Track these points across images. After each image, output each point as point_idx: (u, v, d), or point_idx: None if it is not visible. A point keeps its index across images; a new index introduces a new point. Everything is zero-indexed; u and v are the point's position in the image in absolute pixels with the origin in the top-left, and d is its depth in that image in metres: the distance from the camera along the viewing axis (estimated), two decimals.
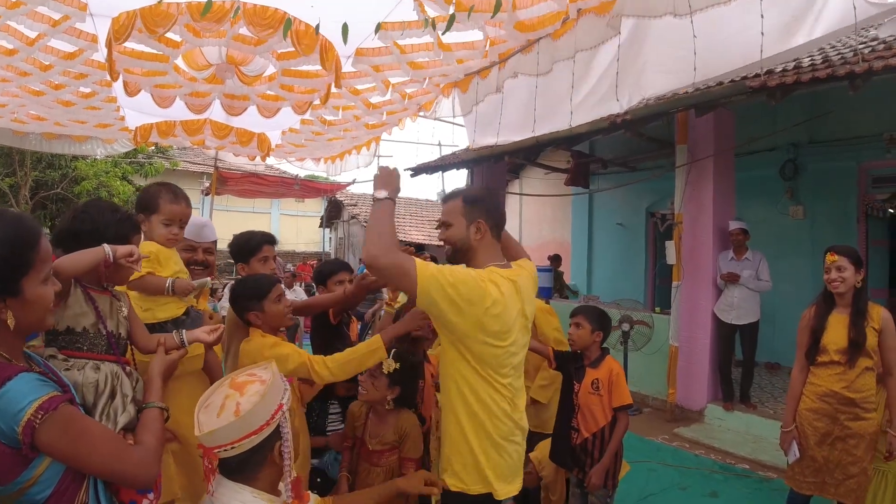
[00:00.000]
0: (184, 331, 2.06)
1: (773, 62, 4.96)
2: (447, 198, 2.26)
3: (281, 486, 1.55)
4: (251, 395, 1.52)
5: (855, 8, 2.85)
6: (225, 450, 1.49)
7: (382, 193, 2.05)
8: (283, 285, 2.58)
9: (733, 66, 4.97)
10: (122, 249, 1.82)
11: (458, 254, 2.20)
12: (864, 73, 4.17)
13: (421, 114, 7.46)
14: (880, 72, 4.13)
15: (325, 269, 3.34)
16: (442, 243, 2.27)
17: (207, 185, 15.02)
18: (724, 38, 3.90)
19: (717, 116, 6.08)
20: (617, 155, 8.93)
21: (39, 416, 1.27)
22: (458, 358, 2.06)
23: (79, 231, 1.89)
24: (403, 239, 19.47)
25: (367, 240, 1.96)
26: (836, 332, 3.17)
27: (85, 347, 1.73)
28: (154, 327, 2.21)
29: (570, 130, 6.17)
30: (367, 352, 2.41)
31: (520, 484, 2.17)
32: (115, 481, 1.48)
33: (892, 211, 7.40)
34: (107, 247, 1.80)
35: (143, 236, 2.31)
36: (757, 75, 4.54)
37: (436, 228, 2.27)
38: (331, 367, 2.35)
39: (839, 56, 4.90)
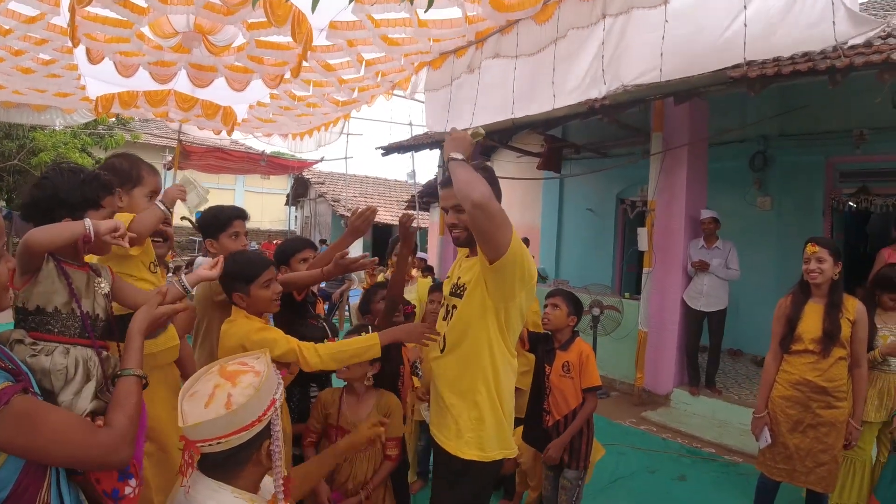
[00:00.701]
0: (184, 276, 1.93)
1: (754, 55, 5.02)
2: (450, 181, 2.15)
3: (270, 484, 1.46)
4: (244, 387, 1.41)
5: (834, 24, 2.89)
6: (210, 445, 1.37)
7: (459, 156, 2.08)
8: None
9: (715, 57, 5.00)
10: (106, 225, 1.66)
11: (472, 237, 2.15)
12: (845, 69, 4.19)
13: (395, 92, 7.33)
14: (861, 68, 4.16)
15: (289, 248, 3.13)
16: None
17: (170, 158, 14.58)
18: (706, 28, 3.91)
19: (692, 106, 6.10)
20: (590, 140, 8.93)
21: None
22: (494, 326, 2.13)
23: (39, 200, 1.70)
24: (378, 222, 19.30)
25: (471, 187, 1.94)
26: (812, 321, 3.20)
27: (56, 330, 1.59)
28: (125, 319, 2.09)
29: (547, 113, 6.14)
30: (362, 346, 2.36)
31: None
32: (83, 469, 1.36)
33: (853, 206, 7.57)
34: (88, 221, 1.64)
35: (122, 208, 2.16)
36: (738, 65, 4.55)
37: (449, 209, 2.28)
38: (322, 356, 2.27)
39: (819, 50, 4.93)
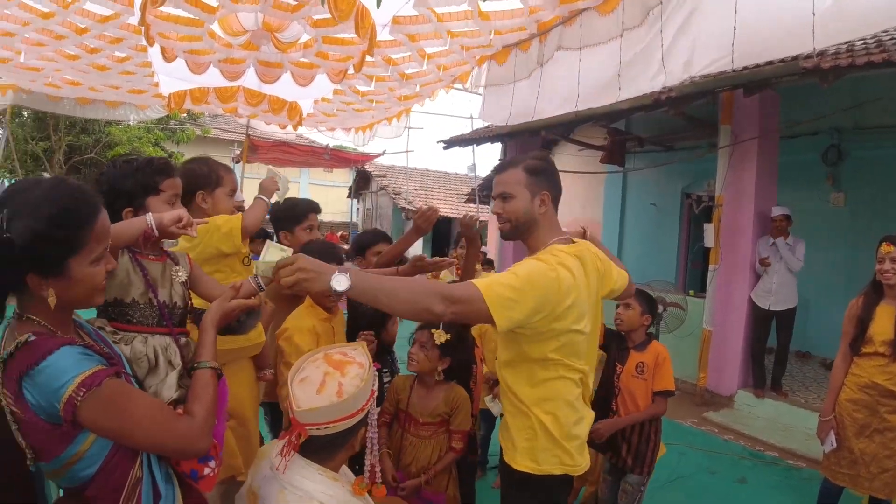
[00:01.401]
0: (258, 276, 1.90)
1: (824, 44, 4.80)
2: (504, 167, 2.09)
3: (338, 485, 1.55)
4: (352, 377, 1.53)
5: None
6: (318, 429, 1.49)
7: (343, 283, 1.56)
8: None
9: (783, 46, 4.80)
10: (169, 217, 1.70)
11: (518, 229, 2.05)
12: None
13: (456, 85, 7.36)
14: None
15: (364, 240, 3.28)
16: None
17: (238, 152, 15.10)
18: (775, 16, 3.77)
19: (762, 98, 5.89)
20: (654, 134, 8.73)
21: (81, 393, 1.18)
22: (539, 347, 1.91)
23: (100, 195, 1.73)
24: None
25: (407, 303, 1.65)
26: (884, 323, 3.08)
27: (135, 320, 1.65)
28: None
29: (611, 106, 6.05)
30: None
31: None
32: (166, 454, 1.42)
33: None
34: (150, 216, 1.68)
35: (207, 210, 2.28)
36: (809, 56, 4.37)
37: (496, 197, 2.08)
38: None
39: (893, 41, 4.69)
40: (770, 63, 4.85)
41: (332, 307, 2.56)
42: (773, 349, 6.21)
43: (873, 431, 3.07)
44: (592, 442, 3.22)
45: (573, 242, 2.06)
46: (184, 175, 2.20)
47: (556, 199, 2.09)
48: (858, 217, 7.17)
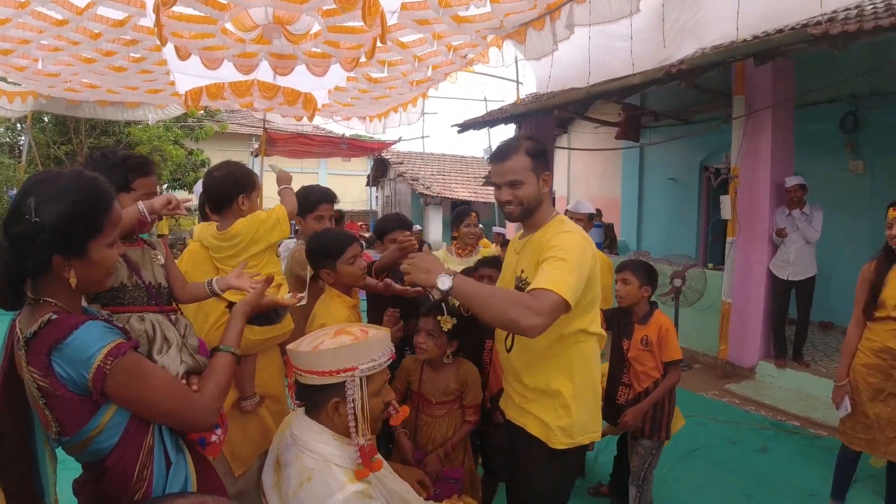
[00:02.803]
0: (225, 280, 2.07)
1: (834, 7, 4.73)
2: (506, 154, 2.13)
3: (353, 449, 1.61)
4: (334, 342, 1.63)
5: None
6: (297, 373, 1.64)
7: (446, 280, 1.80)
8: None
9: (793, 13, 4.75)
10: (159, 201, 1.90)
11: (527, 212, 2.15)
12: None
13: (471, 67, 7.37)
14: None
15: (382, 226, 3.37)
16: (492, 201, 2.29)
17: (256, 146, 15.29)
18: None
19: (775, 66, 5.81)
20: (669, 107, 8.66)
21: (109, 362, 1.28)
22: (566, 315, 1.93)
23: None
24: (449, 196, 19.48)
25: (506, 312, 1.77)
26: None
27: (126, 301, 1.77)
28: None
29: (623, 80, 6.05)
30: None
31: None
32: (176, 426, 1.51)
33: None
34: (141, 204, 1.84)
35: (245, 212, 2.35)
36: (818, 22, 4.32)
37: (502, 185, 2.14)
38: None
39: None
40: (780, 31, 4.81)
41: (353, 294, 2.65)
42: (793, 320, 6.19)
43: (888, 395, 3.09)
44: (605, 415, 3.30)
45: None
46: (223, 180, 2.35)
47: (551, 177, 2.22)
48: (878, 183, 7.06)
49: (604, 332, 2.19)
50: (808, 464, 4.22)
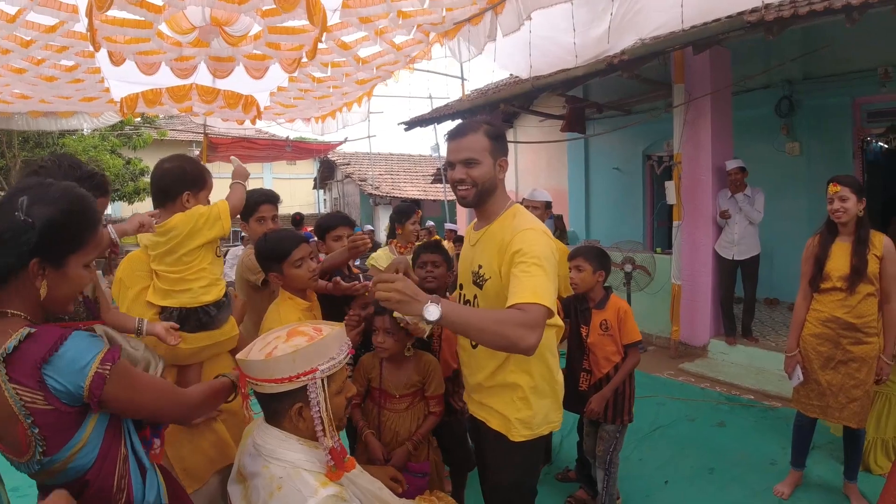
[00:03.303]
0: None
1: None
2: (464, 132, 2.05)
3: (321, 452, 1.57)
4: (290, 346, 1.54)
5: None
6: (251, 383, 1.56)
7: (435, 314, 1.66)
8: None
9: (729, 3, 4.91)
10: (132, 224, 1.96)
11: (481, 196, 2.07)
12: (861, 6, 4.09)
13: (415, 65, 7.34)
14: (877, 4, 4.06)
15: (324, 224, 3.27)
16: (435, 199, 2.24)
17: (197, 153, 14.87)
18: None
19: (712, 55, 6.01)
20: (612, 98, 8.84)
21: (107, 368, 1.29)
22: None
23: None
24: (398, 196, 19.42)
25: (497, 338, 1.73)
26: (839, 259, 3.22)
27: (67, 318, 1.65)
28: (197, 311, 2.23)
29: (566, 73, 6.16)
30: None
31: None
32: (166, 420, 1.60)
33: (883, 146, 7.39)
34: (110, 229, 1.82)
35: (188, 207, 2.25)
36: (755, 9, 4.49)
37: (457, 163, 2.05)
38: None
39: None
40: (716, 20, 4.97)
41: (309, 296, 2.57)
42: (740, 298, 6.42)
43: (837, 363, 3.23)
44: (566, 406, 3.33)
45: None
46: (171, 172, 2.24)
47: (507, 164, 2.14)
48: (814, 164, 7.40)
49: (562, 323, 2.17)
50: (765, 434, 4.38)
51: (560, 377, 2.19)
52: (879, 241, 3.17)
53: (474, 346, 2.16)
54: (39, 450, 1.27)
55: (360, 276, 3.17)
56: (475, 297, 2.14)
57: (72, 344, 1.28)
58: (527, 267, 1.85)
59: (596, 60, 5.69)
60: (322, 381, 1.54)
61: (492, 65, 5.98)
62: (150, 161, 15.95)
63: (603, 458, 3.24)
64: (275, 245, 2.43)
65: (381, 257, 4.22)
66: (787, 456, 3.65)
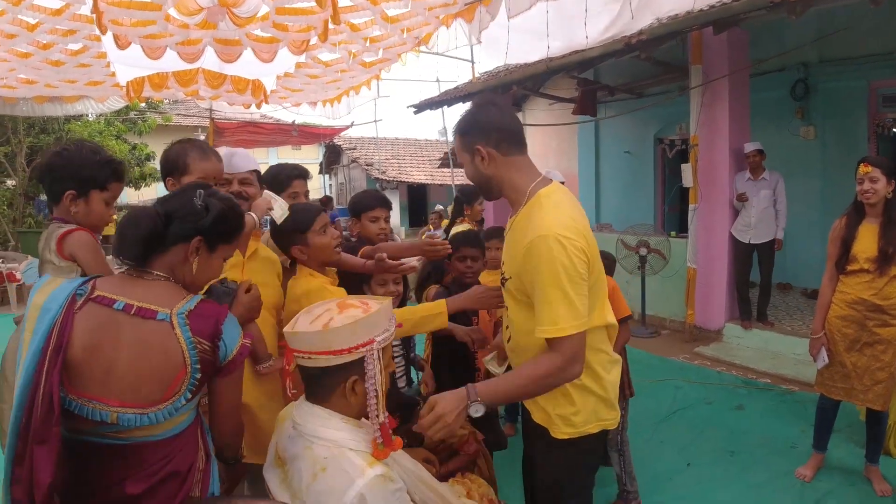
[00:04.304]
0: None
1: None
2: (453, 137, 1.98)
3: (364, 431, 1.53)
4: (346, 316, 1.50)
5: None
6: (301, 357, 1.50)
7: (480, 410, 1.69)
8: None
9: None
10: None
11: (484, 190, 1.96)
12: None
13: (422, 48, 7.27)
14: None
15: (362, 202, 3.14)
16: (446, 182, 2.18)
17: (203, 137, 14.83)
18: None
19: (730, 36, 5.91)
20: (623, 81, 8.75)
21: (248, 343, 1.61)
22: None
23: (55, 167, 1.91)
24: (405, 180, 19.36)
25: (545, 389, 1.80)
26: (867, 241, 3.18)
27: None
28: None
29: (582, 54, 6.08)
30: (429, 315, 2.31)
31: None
32: (221, 423, 1.63)
33: None
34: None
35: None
36: None
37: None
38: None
39: None
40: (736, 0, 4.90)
41: (329, 274, 2.50)
42: (755, 283, 6.38)
43: (863, 345, 3.20)
44: None
45: (551, 182, 1.91)
46: (163, 157, 2.25)
47: (502, 143, 1.86)
48: (828, 148, 7.31)
49: (614, 322, 2.00)
50: (783, 418, 4.36)
51: (612, 375, 1.99)
52: None
53: (508, 342, 2.07)
54: (188, 395, 1.47)
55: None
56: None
57: (230, 315, 1.57)
58: (543, 293, 1.73)
59: (613, 41, 5.61)
60: (378, 352, 1.52)
61: (503, 47, 5.88)
62: (155, 146, 15.92)
63: (614, 439, 3.20)
64: (296, 216, 2.35)
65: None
66: (807, 439, 3.63)
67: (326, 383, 1.52)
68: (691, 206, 6.52)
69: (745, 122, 6.56)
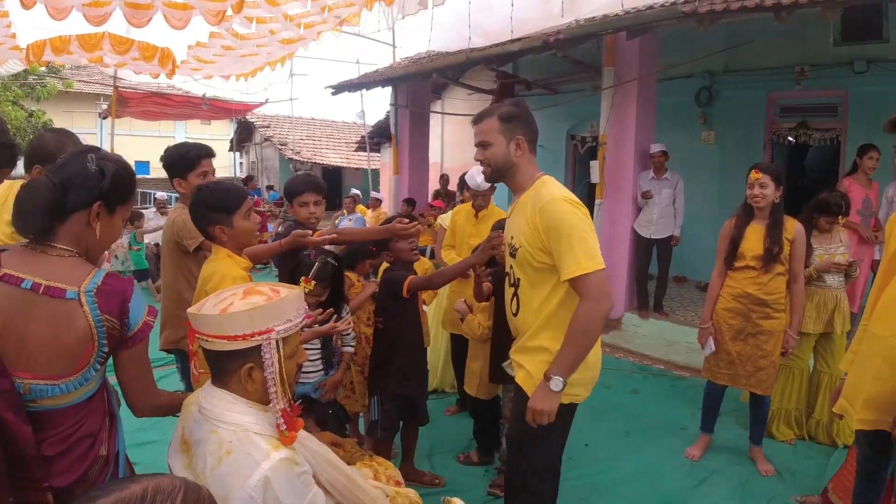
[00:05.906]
0: None
1: None
2: (481, 117, 2.27)
3: (270, 416, 1.52)
4: (246, 303, 1.49)
5: None
6: (201, 339, 1.49)
7: (560, 384, 2.03)
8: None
9: None
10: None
11: (499, 173, 2.27)
12: (791, 5, 4.33)
13: (343, 28, 7.15)
14: (806, 5, 4.33)
15: (293, 187, 3.06)
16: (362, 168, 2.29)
17: (106, 107, 13.94)
18: None
19: (642, 41, 6.21)
20: (541, 77, 9.00)
21: (151, 319, 1.62)
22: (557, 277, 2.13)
23: None
24: (320, 162, 19.00)
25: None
26: (754, 240, 3.47)
27: None
28: None
29: (502, 48, 6.21)
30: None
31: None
32: (130, 395, 1.68)
33: (792, 140, 7.94)
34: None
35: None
36: (688, 0, 4.69)
37: (476, 146, 2.28)
38: None
39: None
40: (651, 7, 5.16)
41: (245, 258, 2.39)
42: (653, 275, 6.78)
43: (747, 335, 3.51)
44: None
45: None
46: (34, 144, 2.20)
47: (532, 142, 2.26)
48: (727, 153, 7.89)
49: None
50: (675, 402, 4.70)
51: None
52: (791, 225, 3.44)
53: (515, 315, 2.31)
54: (97, 366, 1.53)
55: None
56: (511, 267, 2.30)
57: (136, 290, 1.60)
58: (561, 242, 2.04)
59: (532, 38, 5.77)
60: (277, 342, 1.49)
61: (426, 34, 5.91)
62: (53, 114, 14.84)
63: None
64: (224, 194, 2.22)
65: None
66: (697, 422, 3.93)
67: (225, 367, 1.51)
68: (597, 201, 6.82)
69: (651, 123, 6.93)
